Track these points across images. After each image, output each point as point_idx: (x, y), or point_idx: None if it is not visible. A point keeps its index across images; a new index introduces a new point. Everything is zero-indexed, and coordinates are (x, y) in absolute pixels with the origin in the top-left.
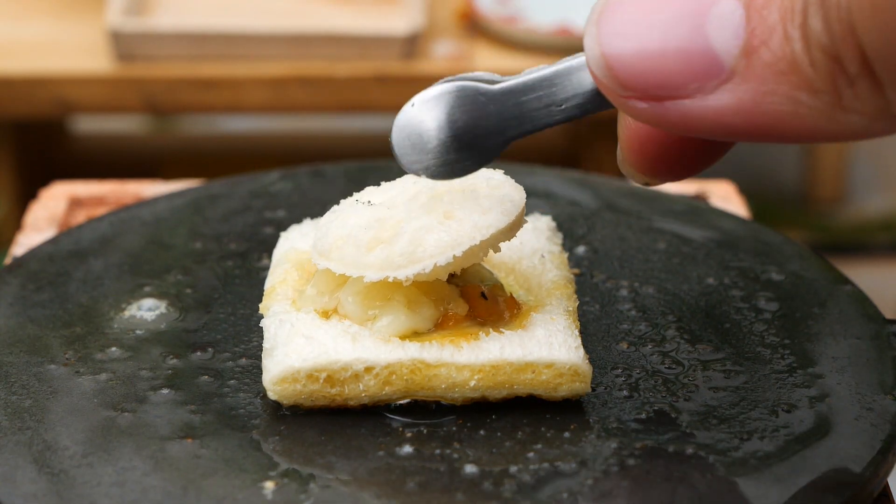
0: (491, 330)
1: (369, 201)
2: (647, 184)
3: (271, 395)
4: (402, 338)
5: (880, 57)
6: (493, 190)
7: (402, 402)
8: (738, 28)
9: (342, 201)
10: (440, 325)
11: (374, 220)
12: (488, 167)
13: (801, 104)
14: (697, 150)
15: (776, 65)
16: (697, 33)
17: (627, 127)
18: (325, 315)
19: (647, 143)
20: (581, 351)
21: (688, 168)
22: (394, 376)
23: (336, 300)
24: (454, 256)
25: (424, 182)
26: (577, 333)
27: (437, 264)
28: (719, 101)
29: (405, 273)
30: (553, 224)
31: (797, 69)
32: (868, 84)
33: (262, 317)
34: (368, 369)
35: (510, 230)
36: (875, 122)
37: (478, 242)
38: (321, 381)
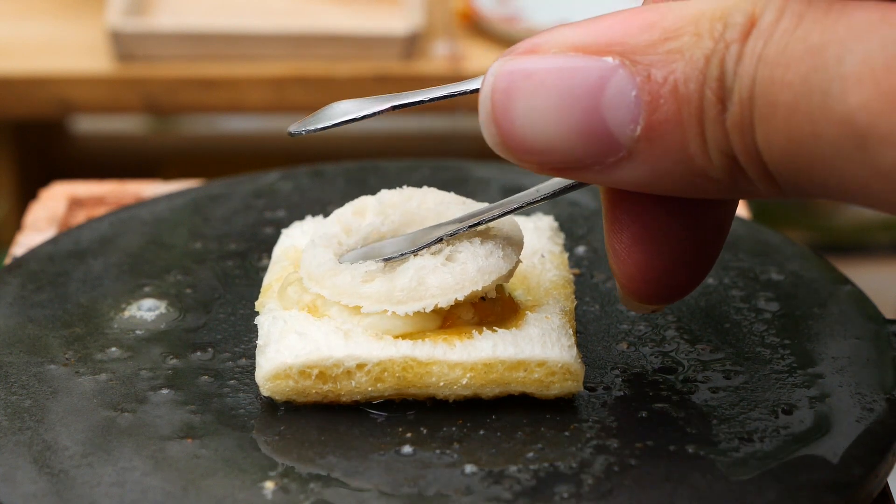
0: (484, 328)
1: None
2: (654, 311)
3: (263, 391)
4: (396, 335)
5: (782, 173)
6: (495, 229)
7: (400, 401)
8: (633, 109)
9: (336, 213)
10: (438, 325)
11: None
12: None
13: (699, 186)
14: (693, 261)
15: (672, 153)
16: (592, 115)
17: (618, 260)
18: (314, 311)
19: (644, 270)
20: (574, 350)
21: (689, 281)
22: (386, 373)
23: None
24: (455, 300)
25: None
26: (572, 333)
27: (438, 305)
28: (620, 175)
29: (405, 309)
30: (555, 224)
31: (693, 163)
32: (766, 183)
33: None
34: (360, 366)
35: (509, 275)
36: (771, 196)
37: (479, 288)
38: (313, 377)
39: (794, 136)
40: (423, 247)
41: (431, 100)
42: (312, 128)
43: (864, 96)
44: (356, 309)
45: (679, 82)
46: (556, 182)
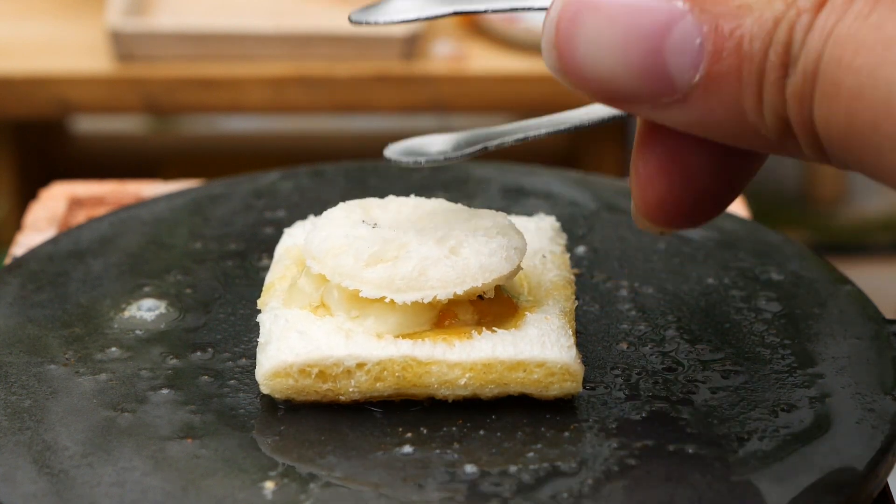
0: (484, 329)
1: (375, 224)
2: (663, 233)
3: (263, 388)
4: (396, 335)
5: (834, 149)
6: (500, 233)
7: (400, 401)
8: (695, 56)
9: (342, 204)
10: (437, 323)
11: (378, 238)
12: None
13: (747, 139)
14: (713, 198)
15: (726, 105)
16: (655, 55)
17: (640, 184)
18: (315, 310)
19: (662, 198)
20: (573, 350)
21: (706, 213)
22: (385, 373)
23: (321, 294)
24: (455, 293)
25: (430, 206)
26: (571, 333)
27: (438, 297)
28: (671, 115)
29: (404, 298)
30: (557, 225)
31: (745, 118)
32: (815, 151)
33: None
34: (360, 365)
35: (509, 276)
36: (817, 161)
37: (480, 285)
38: (313, 376)
39: (853, 121)
40: (466, 154)
41: (494, 10)
42: (374, 20)
43: None
44: (359, 309)
45: (745, 38)
46: (606, 111)
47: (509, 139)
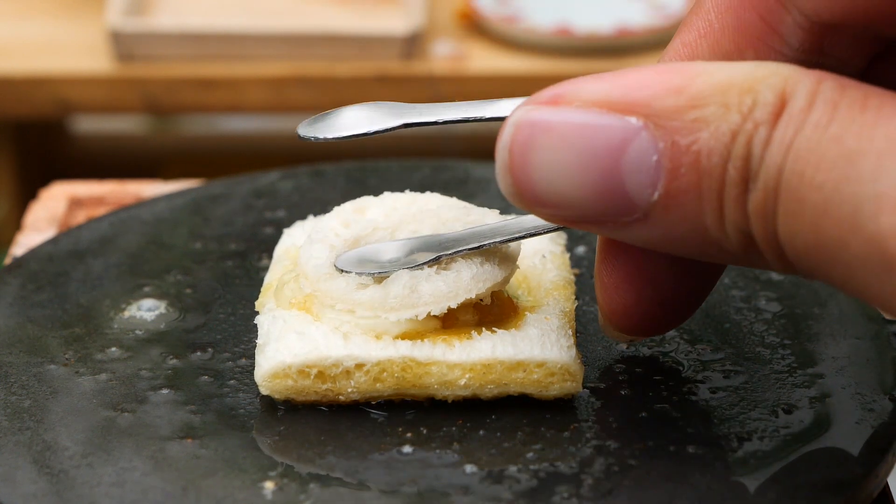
0: (484, 329)
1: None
2: (632, 341)
3: (262, 389)
4: (395, 336)
5: (801, 263)
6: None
7: (400, 401)
8: (653, 173)
9: (336, 210)
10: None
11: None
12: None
13: (710, 254)
14: (679, 304)
15: (688, 222)
16: (611, 176)
17: (605, 293)
18: (306, 308)
19: (629, 306)
20: (573, 351)
21: (673, 320)
22: (384, 373)
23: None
24: (448, 307)
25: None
26: (571, 334)
27: (431, 313)
28: (633, 233)
29: (398, 316)
30: None
31: (708, 233)
32: (781, 265)
33: None
34: (359, 366)
35: (503, 282)
36: (783, 273)
37: (473, 295)
38: (312, 377)
39: (820, 238)
40: (421, 264)
41: (445, 122)
42: (322, 136)
43: None
44: (352, 312)
45: (702, 153)
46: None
47: (464, 248)
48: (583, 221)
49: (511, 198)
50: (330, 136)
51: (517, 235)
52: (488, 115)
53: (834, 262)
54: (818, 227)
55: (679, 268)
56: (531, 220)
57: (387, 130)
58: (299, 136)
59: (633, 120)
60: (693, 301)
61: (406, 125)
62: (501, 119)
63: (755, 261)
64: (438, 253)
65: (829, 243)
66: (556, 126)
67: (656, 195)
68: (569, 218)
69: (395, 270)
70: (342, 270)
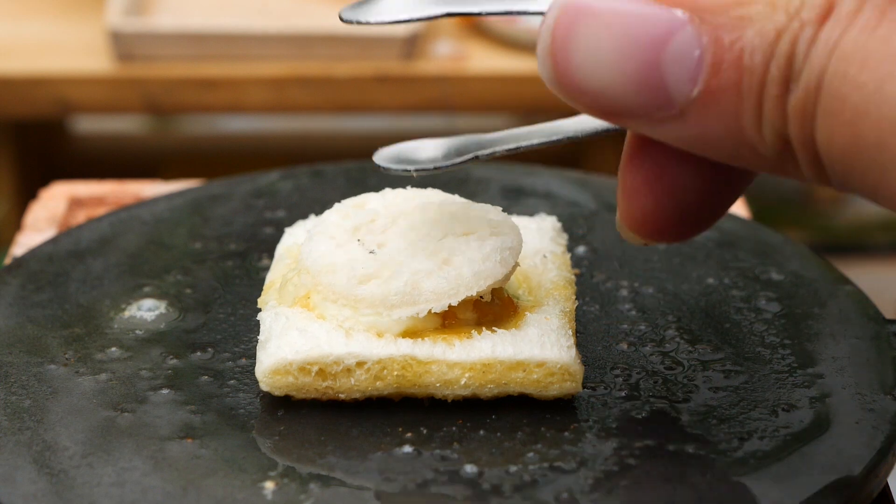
0: (484, 328)
1: (372, 251)
2: (646, 244)
3: (263, 386)
4: (396, 334)
5: (835, 169)
6: (493, 233)
7: (400, 401)
8: (694, 68)
9: (337, 206)
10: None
11: (371, 259)
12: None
13: (744, 158)
14: (698, 215)
15: (725, 122)
16: (652, 67)
17: (625, 196)
18: (307, 305)
19: (647, 211)
20: (573, 351)
21: (689, 230)
22: (385, 371)
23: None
24: (449, 305)
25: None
26: (571, 334)
27: (433, 310)
28: (667, 131)
29: (399, 313)
30: (558, 225)
31: (744, 135)
32: (814, 172)
33: None
34: (360, 364)
35: (505, 279)
36: (815, 184)
37: (474, 293)
38: (313, 373)
39: (858, 140)
40: (459, 163)
41: (488, 13)
42: (366, 20)
43: None
44: (353, 308)
45: (746, 51)
46: (599, 123)
47: (500, 149)
48: (618, 114)
49: (549, 83)
50: (373, 19)
51: (554, 139)
52: (532, 8)
53: (870, 167)
54: (857, 127)
55: (704, 178)
56: (569, 124)
57: (429, 18)
58: (341, 18)
59: (678, 13)
60: (711, 214)
61: (449, 14)
62: (544, 14)
63: (788, 168)
64: (476, 153)
65: (868, 145)
66: (602, 13)
67: (695, 91)
68: (605, 109)
69: (431, 167)
70: (380, 167)
